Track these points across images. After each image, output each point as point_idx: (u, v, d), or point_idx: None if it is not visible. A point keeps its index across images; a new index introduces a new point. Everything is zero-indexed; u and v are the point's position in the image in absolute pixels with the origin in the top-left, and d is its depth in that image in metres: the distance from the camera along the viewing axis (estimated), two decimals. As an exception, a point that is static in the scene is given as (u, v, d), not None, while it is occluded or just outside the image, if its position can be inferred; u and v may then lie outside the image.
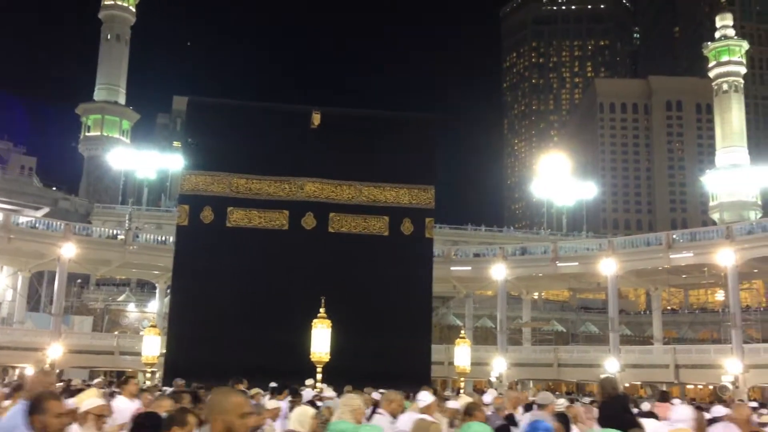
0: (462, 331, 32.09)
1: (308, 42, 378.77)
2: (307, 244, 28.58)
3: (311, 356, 22.79)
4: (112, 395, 11.02)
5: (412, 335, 28.07)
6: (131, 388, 10.12)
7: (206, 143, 29.72)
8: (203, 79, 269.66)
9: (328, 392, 16.00)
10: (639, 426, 6.38)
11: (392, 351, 25.68)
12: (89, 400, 6.78)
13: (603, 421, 5.04)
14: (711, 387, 49.74)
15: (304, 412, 7.01)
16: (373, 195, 30.00)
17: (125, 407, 8.93)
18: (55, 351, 40.90)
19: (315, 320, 23.03)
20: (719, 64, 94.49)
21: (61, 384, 18.24)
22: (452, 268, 49.12)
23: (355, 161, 29.67)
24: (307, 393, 15.80)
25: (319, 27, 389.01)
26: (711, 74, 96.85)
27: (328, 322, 22.94)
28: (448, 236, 73.22)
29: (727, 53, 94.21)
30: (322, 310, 22.98)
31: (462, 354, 27.28)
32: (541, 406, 8.63)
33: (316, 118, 29.47)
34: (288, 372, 20.28)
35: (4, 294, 50.94)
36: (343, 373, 20.40)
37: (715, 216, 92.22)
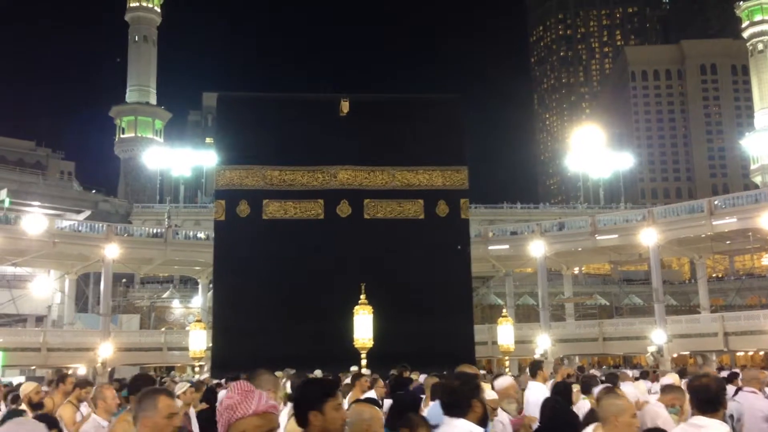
0: (504, 310, 32.02)
1: (333, 27, 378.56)
2: (343, 232, 28.71)
3: (354, 343, 22.95)
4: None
5: (454, 316, 28.09)
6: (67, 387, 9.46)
7: (238, 138, 29.99)
8: (232, 74, 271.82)
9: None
10: None
11: (435, 333, 25.72)
12: None
13: None
14: (762, 353, 48.94)
15: None
16: (407, 179, 29.99)
17: None
18: (105, 350, 41.81)
19: (356, 307, 23.19)
20: (752, 24, 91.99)
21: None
22: (490, 248, 48.86)
23: (387, 146, 29.66)
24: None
25: (342, 12, 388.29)
26: (745, 34, 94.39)
27: (369, 308, 23.07)
28: (484, 216, 72.89)
29: (760, 12, 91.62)
30: (362, 296, 23.11)
31: (505, 333, 27.22)
32: None
33: (345, 106, 29.50)
34: (333, 359, 20.49)
35: (53, 297, 52.13)
36: (387, 357, 20.50)
37: (757, 179, 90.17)
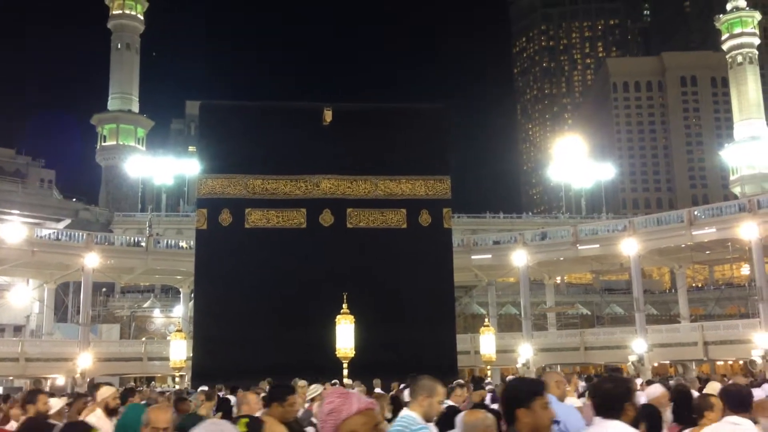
0: (486, 320, 32.11)
1: (316, 37, 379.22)
2: (326, 241, 28.64)
3: (337, 352, 22.89)
4: None
5: (437, 326, 28.06)
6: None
7: (221, 146, 29.88)
8: (215, 82, 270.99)
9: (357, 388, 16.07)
10: None
11: (417, 343, 25.70)
12: None
13: None
14: (741, 362, 49.32)
15: None
16: (389, 188, 30.00)
17: None
18: (84, 360, 41.37)
19: (338, 316, 23.13)
20: (732, 36, 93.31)
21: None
22: (473, 257, 48.98)
23: (369, 155, 29.66)
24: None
25: (326, 21, 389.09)
26: (724, 47, 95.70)
27: (351, 318, 23.03)
28: (467, 225, 73.10)
29: (740, 25, 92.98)
30: (344, 305, 23.06)
31: (487, 342, 27.34)
32: None
33: (328, 115, 29.48)
34: (315, 369, 20.39)
35: (31, 306, 51.56)
36: (370, 367, 20.45)
37: (737, 190, 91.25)
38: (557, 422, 5.64)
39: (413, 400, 5.16)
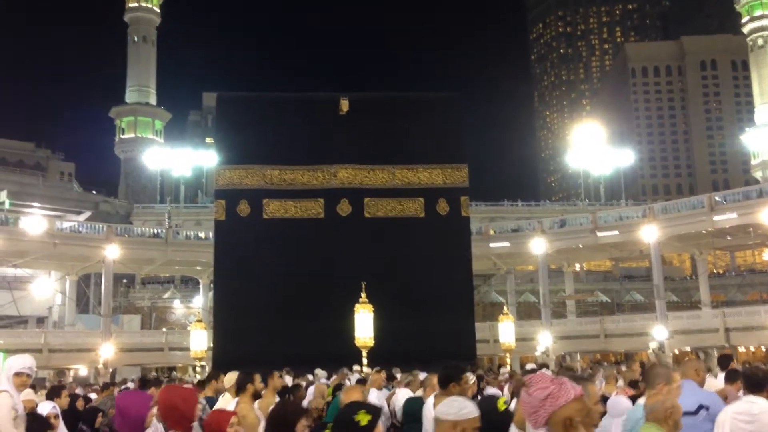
0: (505, 308, 32.04)
1: (333, 28, 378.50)
2: (344, 231, 28.65)
3: (356, 341, 22.95)
4: None
5: (455, 314, 28.02)
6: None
7: (238, 137, 29.96)
8: (232, 74, 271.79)
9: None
10: None
11: (436, 331, 25.67)
12: None
13: None
14: (763, 348, 48.91)
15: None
16: (407, 177, 29.94)
17: None
18: (106, 350, 41.81)
19: (357, 305, 23.18)
20: (752, 19, 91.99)
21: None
22: (491, 245, 48.83)
23: (386, 145, 29.59)
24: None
25: (342, 11, 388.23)
26: (745, 30, 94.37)
27: (370, 307, 23.07)
28: (485, 213, 72.89)
29: (760, 7, 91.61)
30: (363, 295, 23.10)
31: (506, 330, 27.26)
32: None
33: (345, 105, 29.43)
34: (334, 359, 20.48)
35: (53, 298, 52.11)
36: (389, 356, 20.48)
37: (758, 174, 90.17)
38: (706, 408, 5.97)
39: (651, 387, 5.40)
